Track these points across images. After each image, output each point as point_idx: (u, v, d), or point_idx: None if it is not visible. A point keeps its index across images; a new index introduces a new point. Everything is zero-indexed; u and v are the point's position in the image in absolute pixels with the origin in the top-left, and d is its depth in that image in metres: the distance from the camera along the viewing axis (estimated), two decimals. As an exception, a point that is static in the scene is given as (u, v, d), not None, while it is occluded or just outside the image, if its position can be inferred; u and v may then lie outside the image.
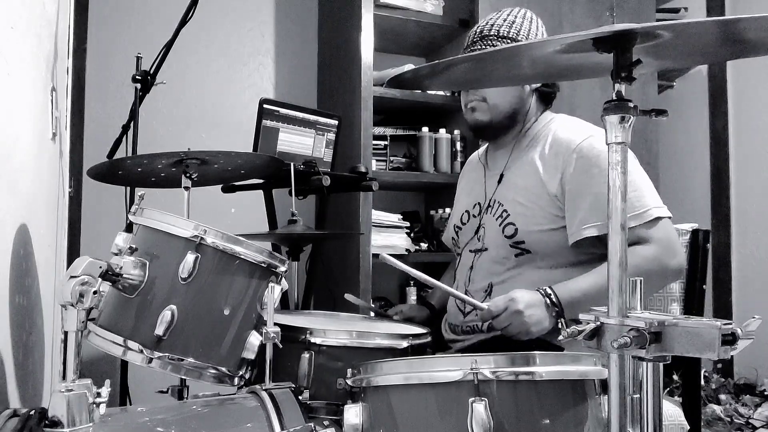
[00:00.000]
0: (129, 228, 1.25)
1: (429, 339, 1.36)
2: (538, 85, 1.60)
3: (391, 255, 2.61)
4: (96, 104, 2.58)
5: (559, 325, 1.30)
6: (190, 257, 1.14)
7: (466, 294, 1.55)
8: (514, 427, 0.95)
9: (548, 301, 1.35)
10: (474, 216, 1.64)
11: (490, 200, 1.59)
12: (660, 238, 1.38)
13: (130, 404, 1.93)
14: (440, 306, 1.75)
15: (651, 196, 1.41)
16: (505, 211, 1.53)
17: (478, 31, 1.59)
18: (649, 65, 0.95)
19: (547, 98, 1.64)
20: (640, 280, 0.87)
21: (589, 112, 1.49)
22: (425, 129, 2.81)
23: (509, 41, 1.53)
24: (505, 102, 1.57)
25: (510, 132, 1.61)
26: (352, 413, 1.04)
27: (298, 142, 2.17)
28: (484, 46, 1.55)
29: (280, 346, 1.12)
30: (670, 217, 1.42)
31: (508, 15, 1.58)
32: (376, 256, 2.54)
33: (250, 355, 1.19)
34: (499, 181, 1.59)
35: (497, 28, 1.55)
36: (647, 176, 1.45)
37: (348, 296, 1.73)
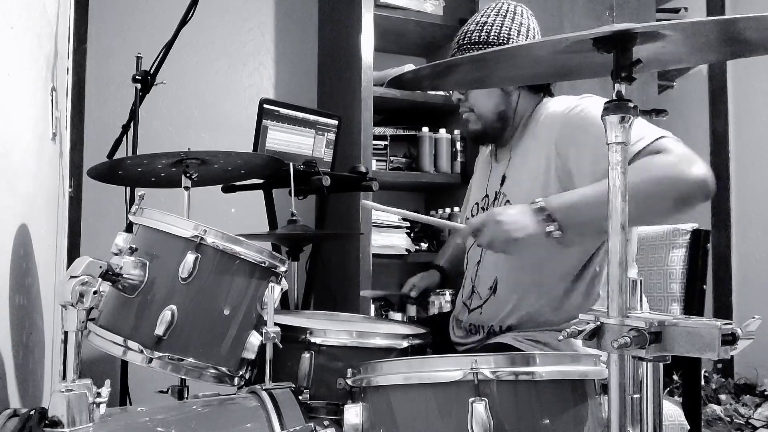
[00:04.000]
0: (129, 228, 1.25)
1: (429, 339, 1.36)
2: None
3: (390, 254, 2.64)
4: (96, 104, 2.58)
5: (548, 228, 1.25)
6: (190, 257, 1.14)
7: (473, 292, 1.58)
8: (514, 427, 0.95)
9: (535, 207, 1.28)
10: (483, 209, 1.65)
11: (496, 193, 1.60)
12: (679, 150, 1.27)
13: (130, 404, 1.93)
14: (449, 266, 1.88)
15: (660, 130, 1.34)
16: (508, 201, 1.54)
17: (469, 38, 1.56)
18: (649, 65, 0.94)
19: (537, 89, 1.58)
20: (640, 280, 0.87)
21: (589, 112, 1.48)
22: (425, 129, 2.81)
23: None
24: (490, 106, 1.57)
25: (506, 131, 1.61)
26: (352, 413, 1.04)
27: (298, 142, 2.17)
28: None
29: (280, 346, 1.12)
30: None
31: (496, 16, 1.56)
32: (376, 256, 2.54)
33: (250, 355, 1.19)
34: (504, 176, 1.59)
35: (486, 34, 1.54)
36: None
37: (364, 292, 1.75)
